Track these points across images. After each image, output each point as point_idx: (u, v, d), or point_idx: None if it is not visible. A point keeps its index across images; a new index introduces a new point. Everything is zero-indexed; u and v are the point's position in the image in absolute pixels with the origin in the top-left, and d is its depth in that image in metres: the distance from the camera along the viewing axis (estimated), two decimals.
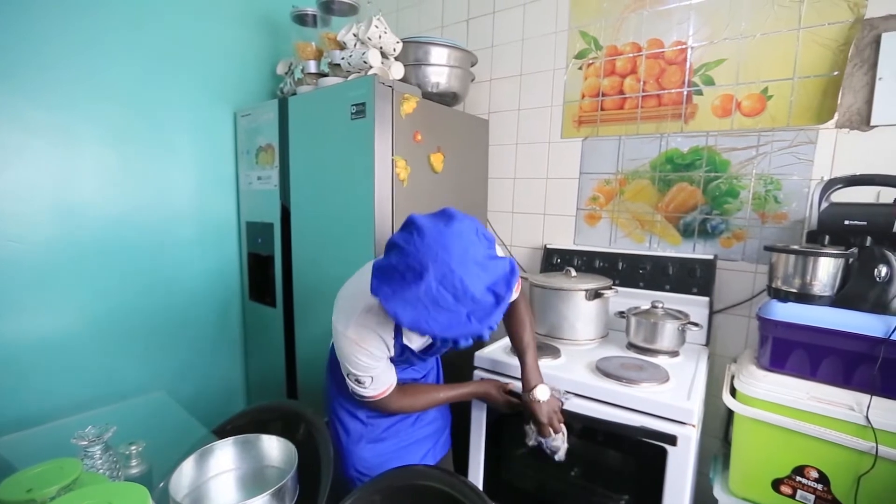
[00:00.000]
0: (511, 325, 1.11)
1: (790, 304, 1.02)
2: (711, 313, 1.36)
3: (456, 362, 1.34)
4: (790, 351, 1.01)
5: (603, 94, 1.57)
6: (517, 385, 1.08)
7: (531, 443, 1.02)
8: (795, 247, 1.05)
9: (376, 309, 0.86)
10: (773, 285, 1.08)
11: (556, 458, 1.01)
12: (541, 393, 1.00)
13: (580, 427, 1.09)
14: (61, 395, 1.44)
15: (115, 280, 1.55)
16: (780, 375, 1.01)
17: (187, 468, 0.82)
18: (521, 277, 1.70)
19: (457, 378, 1.20)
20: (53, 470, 0.71)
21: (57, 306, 1.43)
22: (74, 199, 1.44)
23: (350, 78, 1.48)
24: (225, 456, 0.90)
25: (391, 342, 0.92)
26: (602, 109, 1.58)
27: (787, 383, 0.98)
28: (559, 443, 1.00)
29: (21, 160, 1.33)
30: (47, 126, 1.37)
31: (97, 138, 1.48)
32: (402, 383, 1.02)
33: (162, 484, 0.82)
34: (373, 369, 0.92)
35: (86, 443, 0.81)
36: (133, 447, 0.91)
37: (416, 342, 0.98)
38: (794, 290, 1.03)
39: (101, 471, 0.81)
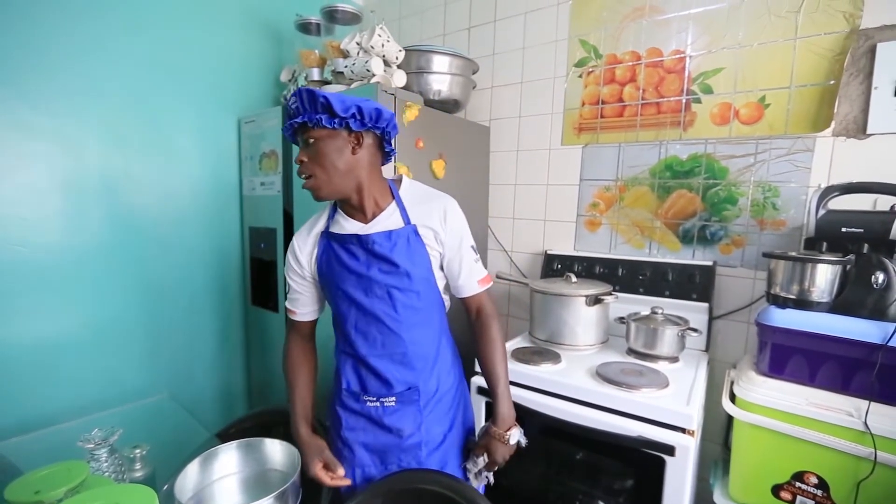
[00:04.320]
0: (480, 345, 1.00)
1: (789, 310, 1.03)
2: (711, 319, 1.37)
3: None
4: (789, 357, 1.01)
5: (603, 102, 1.59)
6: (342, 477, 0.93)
7: (473, 471, 0.98)
8: (793, 253, 1.06)
9: None
10: (772, 291, 1.09)
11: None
12: (513, 437, 0.94)
13: (580, 435, 1.09)
14: (65, 398, 1.45)
15: (118, 284, 1.56)
16: (780, 381, 1.01)
17: (192, 471, 0.83)
18: (521, 283, 1.72)
19: None
20: (60, 472, 0.72)
21: (61, 310, 1.44)
22: (78, 204, 1.45)
23: (353, 86, 1.50)
24: (229, 459, 0.91)
25: None
26: (602, 117, 1.60)
27: (786, 389, 0.99)
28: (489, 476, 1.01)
29: (25, 165, 1.34)
30: (51, 131, 1.38)
31: (101, 144, 1.49)
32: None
33: (166, 486, 0.83)
34: None
35: (92, 445, 0.82)
36: (137, 450, 0.92)
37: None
38: (793, 297, 1.04)
39: (106, 473, 0.82)
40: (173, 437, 1.22)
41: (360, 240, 0.91)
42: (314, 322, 1.06)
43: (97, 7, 1.44)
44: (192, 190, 1.76)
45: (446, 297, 1.02)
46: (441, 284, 0.98)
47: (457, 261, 0.95)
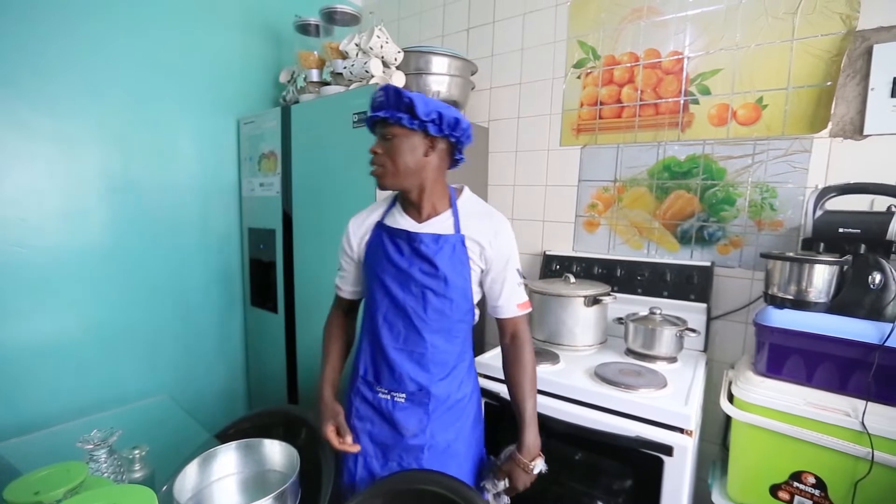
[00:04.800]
0: (511, 369, 0.99)
1: (786, 310, 1.03)
2: (709, 319, 1.38)
3: None
4: (786, 357, 1.02)
5: (601, 103, 1.60)
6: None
7: (492, 492, 0.99)
8: (791, 254, 1.06)
9: None
10: (770, 292, 1.09)
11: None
12: (538, 467, 0.95)
13: (578, 435, 1.09)
14: (64, 399, 1.45)
15: (118, 285, 1.57)
16: (777, 381, 1.02)
17: (191, 471, 0.83)
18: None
19: None
20: (60, 473, 0.72)
21: (60, 311, 1.44)
22: (78, 205, 1.46)
23: (352, 87, 1.51)
24: (228, 460, 0.91)
25: None
26: (600, 118, 1.60)
27: (783, 389, 0.99)
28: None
29: (25, 166, 1.35)
30: (51, 132, 1.38)
31: (100, 144, 1.49)
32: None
33: (165, 487, 0.83)
34: None
35: (91, 446, 0.82)
36: (137, 451, 0.92)
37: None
38: (790, 297, 1.05)
39: (105, 474, 0.82)
40: (172, 437, 1.22)
41: (409, 236, 0.94)
42: (356, 302, 1.10)
43: (97, 8, 1.45)
44: (191, 191, 1.76)
45: (477, 311, 1.03)
46: (476, 299, 1.00)
47: (500, 281, 0.97)
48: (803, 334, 0.99)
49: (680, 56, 1.43)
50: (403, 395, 0.96)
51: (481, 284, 0.99)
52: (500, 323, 1.01)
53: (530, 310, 1.02)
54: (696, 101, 1.42)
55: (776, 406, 0.97)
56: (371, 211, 1.03)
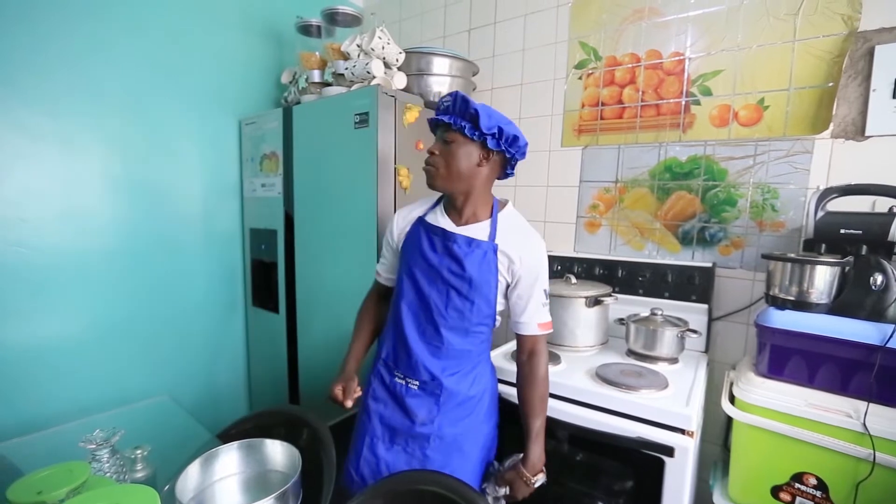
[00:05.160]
0: (524, 385, 1.02)
1: (787, 311, 1.03)
2: (710, 320, 1.38)
3: None
4: (788, 358, 1.02)
5: (602, 104, 1.60)
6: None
7: (492, 496, 1.02)
8: (792, 255, 1.06)
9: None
10: (771, 293, 1.09)
11: None
12: (539, 481, 0.98)
13: (579, 436, 1.10)
14: (65, 399, 1.46)
15: (119, 285, 1.57)
16: (779, 382, 1.02)
17: (193, 471, 0.83)
18: None
19: None
20: (62, 473, 0.72)
21: (61, 311, 1.44)
22: (79, 205, 1.46)
23: (353, 88, 1.51)
24: (230, 460, 0.91)
25: None
26: (602, 119, 1.60)
27: (785, 390, 0.99)
28: None
29: (26, 166, 1.35)
30: (51, 133, 1.38)
31: (101, 144, 1.50)
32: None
33: (167, 487, 0.83)
34: None
35: (94, 446, 0.82)
36: (139, 451, 0.92)
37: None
38: (792, 298, 1.05)
39: (108, 474, 0.82)
40: (174, 437, 1.23)
41: (444, 234, 0.99)
42: (392, 289, 1.13)
43: (97, 8, 1.45)
44: (193, 191, 1.77)
45: (499, 319, 1.05)
46: (499, 308, 1.02)
47: (525, 298, 0.99)
48: (805, 335, 0.99)
49: (681, 57, 1.43)
50: (417, 383, 1.01)
51: (507, 297, 1.01)
52: (520, 339, 1.03)
53: (551, 331, 1.03)
54: (697, 102, 1.42)
55: (777, 407, 0.97)
56: (416, 207, 1.09)
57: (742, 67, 1.34)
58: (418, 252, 1.00)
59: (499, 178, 1.04)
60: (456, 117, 0.91)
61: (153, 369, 1.68)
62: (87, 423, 1.09)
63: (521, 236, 0.99)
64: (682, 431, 0.98)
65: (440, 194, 1.06)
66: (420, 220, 1.04)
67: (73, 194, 1.45)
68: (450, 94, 0.93)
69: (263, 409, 1.24)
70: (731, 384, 1.09)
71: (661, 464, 0.99)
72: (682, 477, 0.98)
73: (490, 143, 0.92)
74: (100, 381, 1.54)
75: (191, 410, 1.37)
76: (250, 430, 1.07)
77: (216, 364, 1.91)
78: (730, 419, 1.05)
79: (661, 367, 1.23)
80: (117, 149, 1.54)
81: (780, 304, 1.06)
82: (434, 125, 0.98)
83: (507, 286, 0.99)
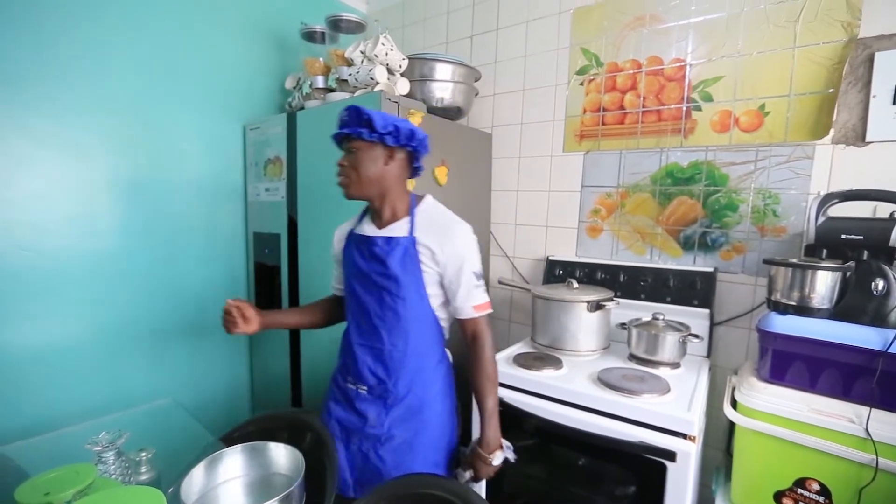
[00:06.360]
0: (471, 369, 1.04)
1: (789, 316, 1.04)
2: (712, 325, 1.38)
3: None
4: (790, 363, 1.02)
5: (604, 110, 1.61)
6: None
7: (460, 481, 1.03)
8: (794, 260, 1.07)
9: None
10: (773, 298, 1.10)
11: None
12: (497, 459, 1.00)
13: (581, 440, 1.10)
14: (70, 402, 1.46)
15: (123, 288, 1.58)
16: (781, 387, 1.02)
17: (197, 474, 0.84)
18: (523, 289, 1.73)
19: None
20: (69, 474, 0.73)
21: (65, 314, 1.45)
22: (83, 209, 1.47)
23: (357, 93, 1.52)
24: (233, 463, 0.91)
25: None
26: (603, 124, 1.61)
27: (787, 395, 0.99)
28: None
29: (30, 170, 1.35)
30: (55, 137, 1.39)
31: (106, 149, 1.51)
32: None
33: (172, 489, 0.83)
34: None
35: (100, 448, 0.83)
36: (143, 453, 0.93)
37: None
38: (793, 303, 1.05)
39: (113, 476, 0.83)
40: (178, 440, 1.23)
41: (368, 240, 1.03)
42: (342, 299, 1.19)
43: (102, 13, 1.46)
44: (197, 195, 1.78)
45: (444, 316, 1.06)
46: (436, 302, 1.03)
47: (455, 284, 1.01)
48: (806, 340, 0.99)
49: (682, 63, 1.45)
50: (365, 388, 1.05)
51: (443, 286, 1.03)
52: (461, 324, 1.05)
53: (489, 311, 1.04)
54: (698, 108, 1.43)
55: (780, 412, 0.97)
56: (350, 223, 1.16)
57: (743, 73, 1.35)
58: (352, 263, 1.06)
59: (410, 177, 1.08)
60: (354, 127, 0.97)
61: (157, 372, 1.69)
62: (93, 426, 1.10)
63: (440, 226, 1.02)
64: (684, 436, 0.99)
65: (366, 207, 1.10)
66: (350, 234, 1.10)
67: (78, 198, 1.46)
68: (345, 109, 0.99)
69: (267, 412, 1.25)
70: (733, 389, 1.09)
71: (664, 469, 0.99)
72: (684, 482, 0.98)
73: (389, 140, 0.96)
74: (104, 384, 1.55)
75: (194, 413, 1.38)
76: (253, 434, 1.08)
77: (219, 367, 1.92)
78: (732, 424, 1.06)
79: (662, 372, 1.24)
80: (122, 153, 1.55)
81: (782, 309, 1.06)
82: (338, 141, 1.03)
83: (439, 276, 1.01)
